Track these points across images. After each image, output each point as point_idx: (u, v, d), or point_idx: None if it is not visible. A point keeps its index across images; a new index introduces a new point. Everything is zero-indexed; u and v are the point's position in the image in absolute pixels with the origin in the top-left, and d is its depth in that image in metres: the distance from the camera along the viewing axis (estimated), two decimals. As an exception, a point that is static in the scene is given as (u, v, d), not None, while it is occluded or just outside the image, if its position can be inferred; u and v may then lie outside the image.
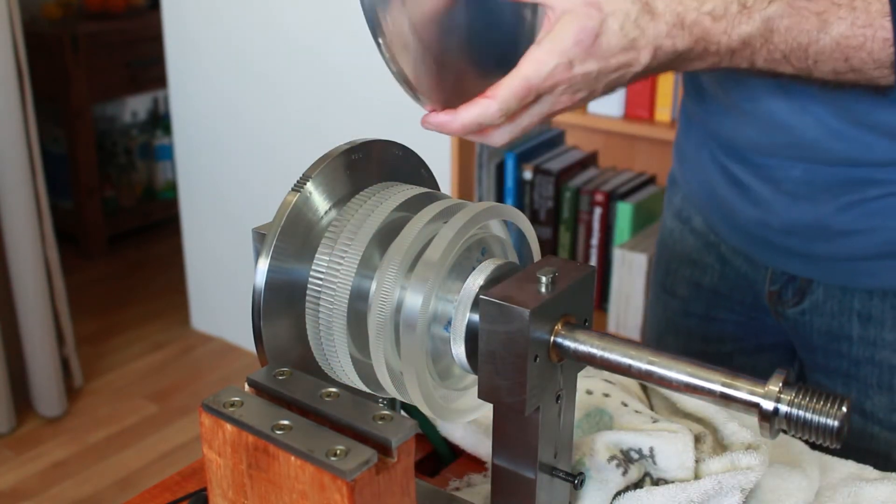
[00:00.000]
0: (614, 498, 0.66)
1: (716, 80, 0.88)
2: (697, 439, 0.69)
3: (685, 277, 1.05)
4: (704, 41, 0.66)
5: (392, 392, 0.58)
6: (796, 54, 0.68)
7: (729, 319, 1.03)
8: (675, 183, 1.08)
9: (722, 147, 0.93)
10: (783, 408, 0.50)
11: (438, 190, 0.66)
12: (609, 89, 0.67)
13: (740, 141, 0.90)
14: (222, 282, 2.71)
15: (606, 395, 0.74)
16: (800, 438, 0.67)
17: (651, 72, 0.67)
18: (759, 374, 0.52)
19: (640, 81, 0.76)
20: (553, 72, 0.63)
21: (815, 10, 0.66)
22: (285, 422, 0.50)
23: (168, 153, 3.35)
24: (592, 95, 0.67)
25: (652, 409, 0.78)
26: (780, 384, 0.50)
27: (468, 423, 0.77)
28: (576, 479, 0.60)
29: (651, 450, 0.67)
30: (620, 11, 0.63)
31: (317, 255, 0.58)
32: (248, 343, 2.69)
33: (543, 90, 0.64)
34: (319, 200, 0.58)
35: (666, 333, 1.09)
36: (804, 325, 0.94)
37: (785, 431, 0.52)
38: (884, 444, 0.89)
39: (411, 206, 0.59)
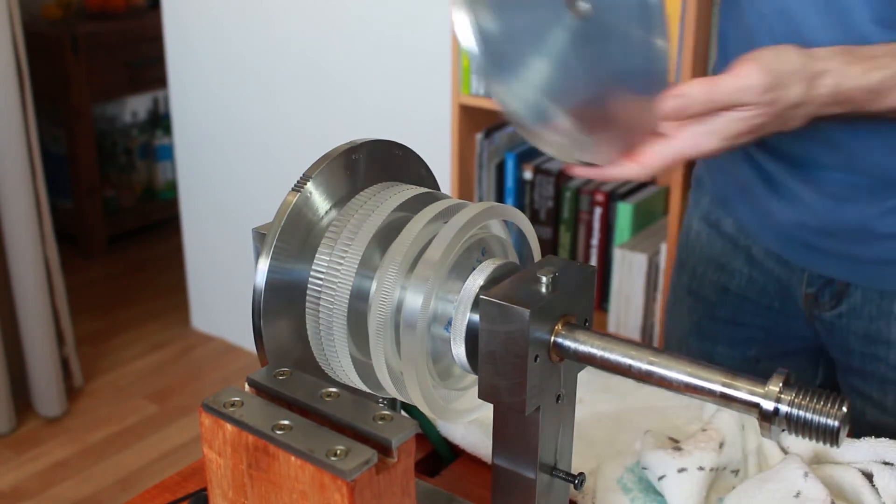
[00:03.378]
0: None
1: None
2: None
3: (713, 281, 1.04)
4: (854, 108, 0.72)
5: (392, 392, 0.58)
6: None
7: (755, 324, 1.02)
8: (701, 184, 1.07)
9: (760, 147, 0.92)
10: (783, 408, 0.50)
11: (438, 190, 0.66)
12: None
13: (786, 149, 0.89)
14: (222, 282, 2.71)
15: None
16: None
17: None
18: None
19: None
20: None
21: None
22: (285, 422, 0.50)
23: (168, 153, 3.35)
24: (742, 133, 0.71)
25: None
26: (781, 384, 0.50)
27: (468, 423, 0.77)
28: (576, 479, 0.60)
29: None
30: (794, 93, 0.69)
31: (317, 255, 0.58)
32: (248, 343, 2.69)
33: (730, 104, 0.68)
34: (319, 200, 0.58)
35: (689, 336, 1.08)
36: (841, 328, 0.93)
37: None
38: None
39: (411, 206, 0.59)
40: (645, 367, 0.53)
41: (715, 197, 1.03)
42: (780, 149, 0.89)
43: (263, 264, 0.55)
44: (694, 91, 0.67)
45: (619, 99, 0.70)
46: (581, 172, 0.70)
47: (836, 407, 0.49)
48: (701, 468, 0.68)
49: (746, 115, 0.69)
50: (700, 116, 0.69)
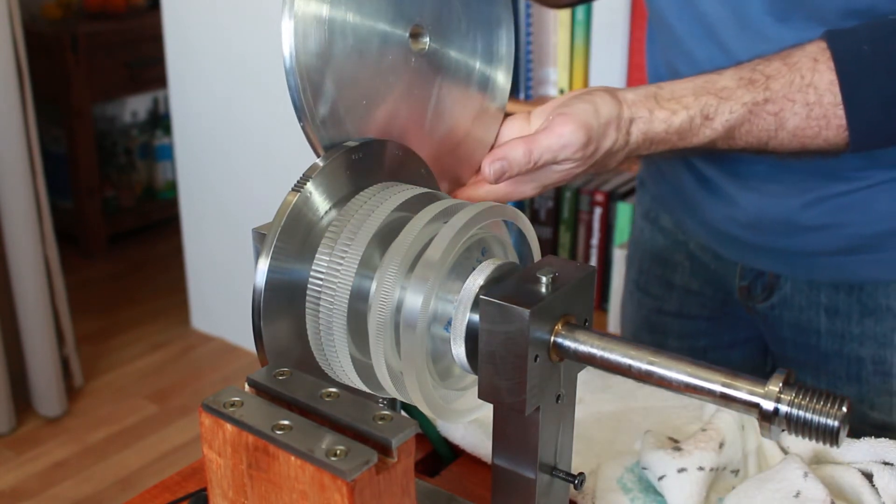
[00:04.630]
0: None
1: None
2: None
3: (657, 276, 1.07)
4: (671, 150, 0.74)
5: (392, 392, 0.58)
6: (755, 147, 0.75)
7: (702, 316, 1.05)
8: (643, 185, 1.11)
9: None
10: (783, 408, 0.50)
11: (438, 190, 0.66)
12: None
13: None
14: (222, 282, 2.71)
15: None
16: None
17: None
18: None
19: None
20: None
21: (773, 111, 0.72)
22: (285, 422, 0.50)
23: (168, 153, 3.35)
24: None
25: None
26: (781, 384, 0.50)
27: (468, 423, 0.77)
28: (576, 479, 0.60)
29: None
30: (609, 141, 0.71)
31: (317, 255, 0.58)
32: (248, 343, 2.69)
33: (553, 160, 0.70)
34: (319, 200, 0.58)
35: (641, 331, 1.11)
36: (774, 319, 0.96)
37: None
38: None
39: (411, 206, 0.60)
40: (645, 367, 0.53)
41: (655, 195, 1.06)
42: None
43: (263, 264, 0.55)
44: (515, 154, 0.69)
45: (446, 139, 0.71)
46: None
47: (836, 407, 0.50)
48: (701, 468, 0.68)
49: (565, 167, 0.71)
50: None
